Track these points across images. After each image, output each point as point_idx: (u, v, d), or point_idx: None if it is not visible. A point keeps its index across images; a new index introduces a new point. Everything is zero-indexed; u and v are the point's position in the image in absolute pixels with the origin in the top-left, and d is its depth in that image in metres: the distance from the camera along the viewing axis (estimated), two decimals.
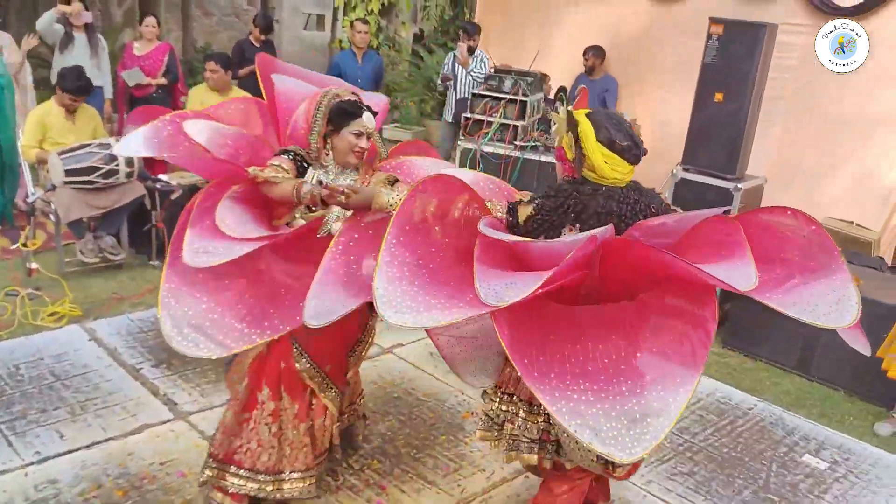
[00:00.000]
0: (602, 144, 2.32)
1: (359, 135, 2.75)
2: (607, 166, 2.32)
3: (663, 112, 6.71)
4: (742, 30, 5.11)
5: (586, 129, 2.34)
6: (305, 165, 2.79)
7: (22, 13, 9.12)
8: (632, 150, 2.35)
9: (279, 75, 3.11)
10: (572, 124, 2.38)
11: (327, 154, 2.79)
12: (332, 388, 2.89)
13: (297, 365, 2.77)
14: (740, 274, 2.03)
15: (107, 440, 3.37)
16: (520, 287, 1.98)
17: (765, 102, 5.43)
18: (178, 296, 2.49)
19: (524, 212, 2.44)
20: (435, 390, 4.12)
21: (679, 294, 2.21)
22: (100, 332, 4.37)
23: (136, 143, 2.72)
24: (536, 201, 2.44)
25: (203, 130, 2.79)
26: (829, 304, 2.07)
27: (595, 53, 6.93)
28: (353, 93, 2.89)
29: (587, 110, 2.42)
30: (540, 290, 1.97)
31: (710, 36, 5.16)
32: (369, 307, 2.48)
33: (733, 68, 5.07)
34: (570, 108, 2.47)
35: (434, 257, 2.20)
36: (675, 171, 5.38)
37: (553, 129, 2.54)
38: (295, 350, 2.76)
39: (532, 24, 7.68)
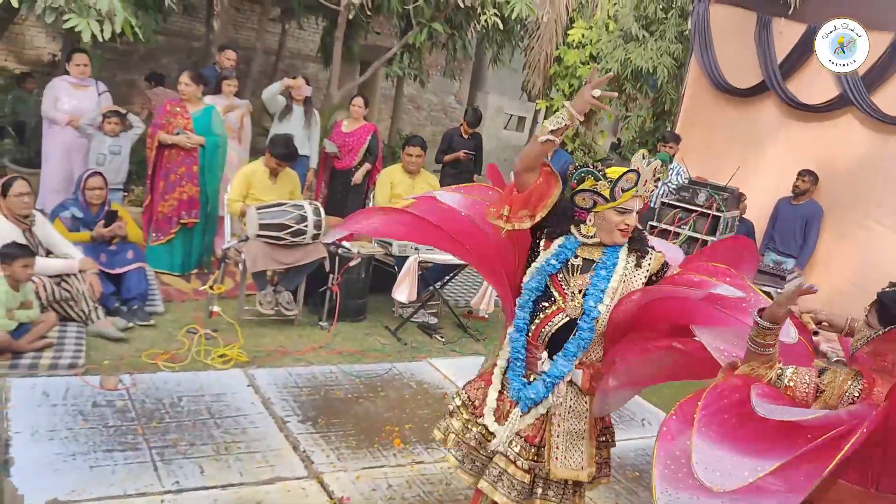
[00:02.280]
0: None
1: None
2: None
3: (870, 247, 6.15)
4: None
5: None
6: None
7: (261, 83, 10.18)
8: None
9: None
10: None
11: None
12: None
13: None
14: None
15: (241, 484, 3.41)
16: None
17: None
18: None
19: None
20: None
21: None
22: (259, 381, 4.51)
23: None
24: None
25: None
26: None
27: (812, 179, 6.55)
28: None
29: None
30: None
31: None
32: None
33: None
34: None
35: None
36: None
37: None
38: None
39: (735, 140, 7.40)
